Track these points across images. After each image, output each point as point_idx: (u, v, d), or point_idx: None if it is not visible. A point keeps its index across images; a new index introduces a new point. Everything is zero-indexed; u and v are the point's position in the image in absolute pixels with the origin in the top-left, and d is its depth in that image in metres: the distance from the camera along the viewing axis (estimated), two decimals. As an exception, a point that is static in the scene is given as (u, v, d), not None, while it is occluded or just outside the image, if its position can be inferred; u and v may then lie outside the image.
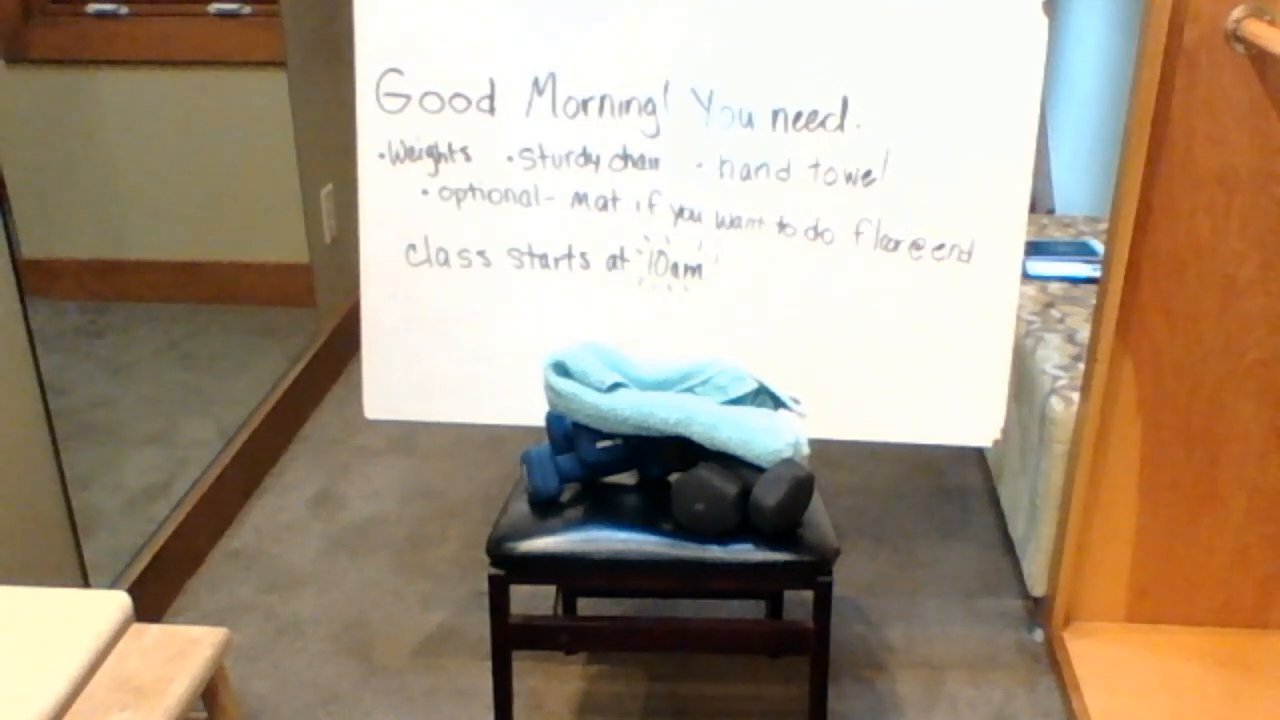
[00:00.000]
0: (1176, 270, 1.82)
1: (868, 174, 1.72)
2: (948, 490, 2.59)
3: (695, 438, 1.59)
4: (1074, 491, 1.95)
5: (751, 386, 1.64)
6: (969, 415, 1.78)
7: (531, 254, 1.80)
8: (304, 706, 1.96)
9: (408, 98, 1.75)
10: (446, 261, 1.80)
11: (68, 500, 1.92)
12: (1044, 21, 1.66)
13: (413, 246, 1.80)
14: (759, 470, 1.57)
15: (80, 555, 1.96)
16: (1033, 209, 2.01)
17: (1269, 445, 1.92)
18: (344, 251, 3.09)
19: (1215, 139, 1.74)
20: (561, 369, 1.63)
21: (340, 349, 3.09)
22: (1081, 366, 2.07)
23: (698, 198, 1.76)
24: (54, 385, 1.88)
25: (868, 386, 1.78)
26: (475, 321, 1.82)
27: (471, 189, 1.78)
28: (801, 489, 1.55)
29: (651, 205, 1.77)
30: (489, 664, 2.04)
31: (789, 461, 1.57)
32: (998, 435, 1.79)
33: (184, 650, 1.42)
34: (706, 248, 1.77)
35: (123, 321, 2.39)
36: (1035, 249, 2.58)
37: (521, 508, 1.65)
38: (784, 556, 1.56)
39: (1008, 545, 2.39)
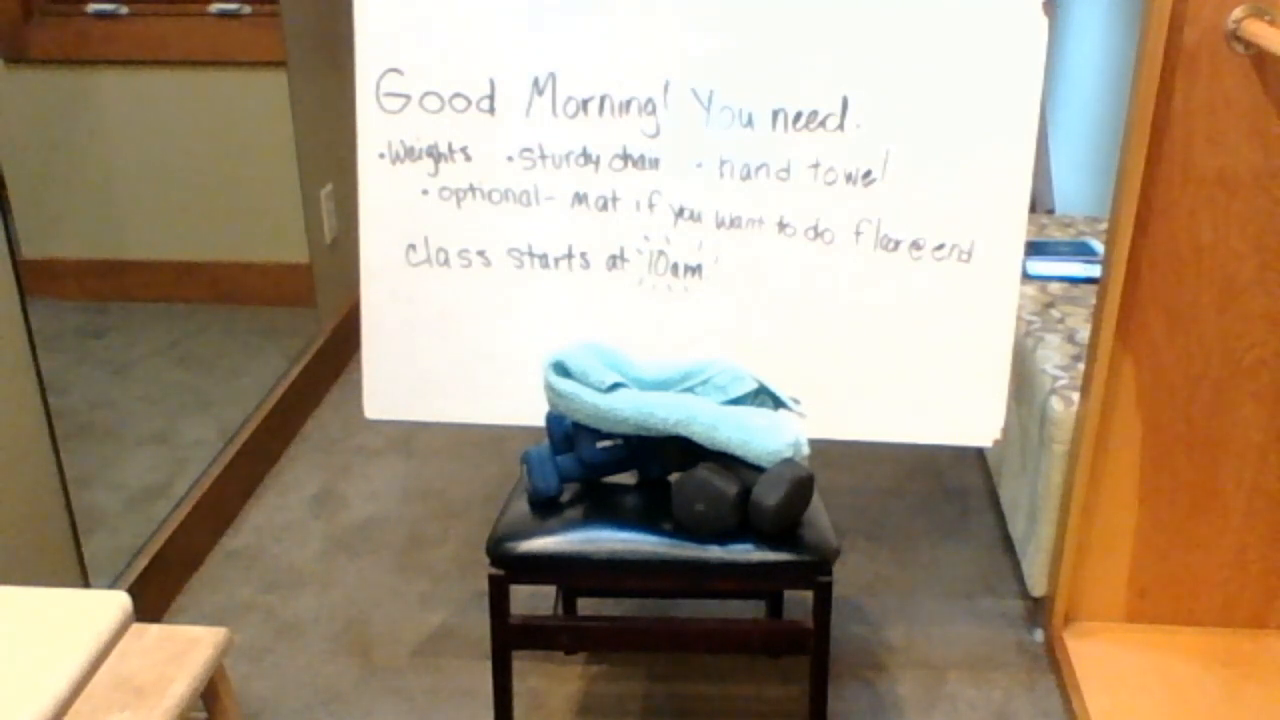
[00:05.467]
0: (1176, 270, 1.82)
1: (868, 174, 1.72)
2: (948, 490, 2.59)
3: (695, 438, 1.59)
4: (1074, 491, 1.95)
5: (751, 386, 1.64)
6: (969, 415, 1.78)
7: (531, 254, 1.80)
8: (304, 706, 1.96)
9: (408, 98, 1.75)
10: (446, 261, 1.80)
11: (68, 500, 1.92)
12: (1044, 21, 1.66)
13: (413, 246, 1.80)
14: (759, 470, 1.57)
15: (80, 555, 1.96)
16: (1033, 209, 2.01)
17: (1269, 445, 1.92)
18: (344, 251, 3.09)
19: (1215, 139, 1.74)
20: (561, 369, 1.63)
21: (340, 349, 3.09)
22: (1081, 366, 2.07)
23: (698, 198, 1.76)
24: (54, 385, 1.88)
25: (868, 386, 1.78)
26: (475, 321, 1.82)
27: (471, 189, 1.78)
28: (801, 489, 1.55)
29: (651, 205, 1.77)
30: (489, 664, 2.04)
31: (789, 461, 1.57)
32: (998, 435, 1.79)
33: (184, 650, 1.42)
34: (706, 248, 1.77)
35: (123, 321, 2.39)
36: (1035, 249, 2.58)
37: (521, 508, 1.65)
38: (784, 556, 1.56)
39: (1008, 545, 2.39)
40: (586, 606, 2.12)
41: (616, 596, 2.15)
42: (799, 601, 2.04)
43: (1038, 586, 2.09)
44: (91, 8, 2.19)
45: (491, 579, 1.59)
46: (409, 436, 2.79)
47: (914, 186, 1.71)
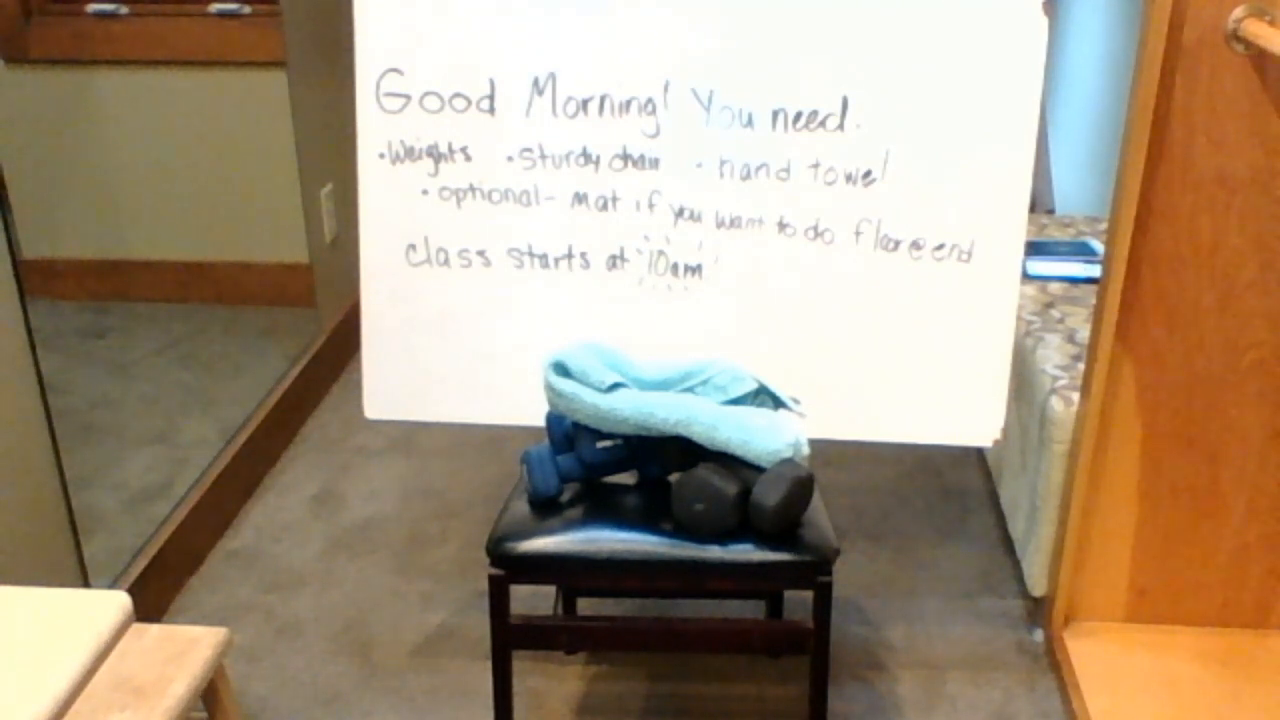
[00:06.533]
0: (1176, 270, 1.82)
1: (868, 174, 1.72)
2: (948, 490, 2.59)
3: (695, 438, 1.59)
4: (1074, 491, 1.95)
5: (751, 386, 1.64)
6: (969, 415, 1.78)
7: (531, 254, 1.80)
8: (304, 706, 1.96)
9: (408, 98, 1.75)
10: (446, 261, 1.80)
11: (68, 500, 1.92)
12: (1044, 21, 1.66)
13: (413, 246, 1.80)
14: (759, 470, 1.57)
15: (80, 555, 1.96)
16: (1033, 209, 2.01)
17: (1269, 445, 1.92)
18: (344, 251, 3.09)
19: (1215, 139, 1.74)
20: (561, 369, 1.63)
21: (340, 349, 3.09)
22: (1081, 366, 2.07)
23: (698, 198, 1.76)
24: (54, 385, 1.88)
25: (868, 386, 1.78)
26: (475, 321, 1.82)
27: (471, 189, 1.78)
28: (801, 489, 1.55)
29: (651, 205, 1.77)
30: (489, 664, 2.04)
31: (789, 461, 1.57)
32: (998, 435, 1.79)
33: (184, 650, 1.42)
34: (706, 248, 1.77)
35: (123, 321, 2.39)
36: (1035, 249, 2.58)
37: (521, 508, 1.65)
38: (784, 556, 1.56)
39: (1008, 545, 2.39)
40: (586, 606, 2.12)
41: (616, 596, 2.15)
42: (799, 601, 2.04)
43: (1038, 586, 2.09)
44: (91, 8, 2.19)
45: (491, 579, 1.59)
46: (409, 436, 2.79)
47: (914, 186, 1.71)
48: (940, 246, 1.73)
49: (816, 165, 1.72)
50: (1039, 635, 2.12)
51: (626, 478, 1.70)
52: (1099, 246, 2.60)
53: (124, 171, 2.32)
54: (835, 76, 1.69)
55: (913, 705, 1.97)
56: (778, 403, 1.67)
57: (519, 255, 1.80)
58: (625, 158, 1.75)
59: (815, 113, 1.71)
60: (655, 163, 1.75)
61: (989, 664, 2.06)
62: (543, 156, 1.76)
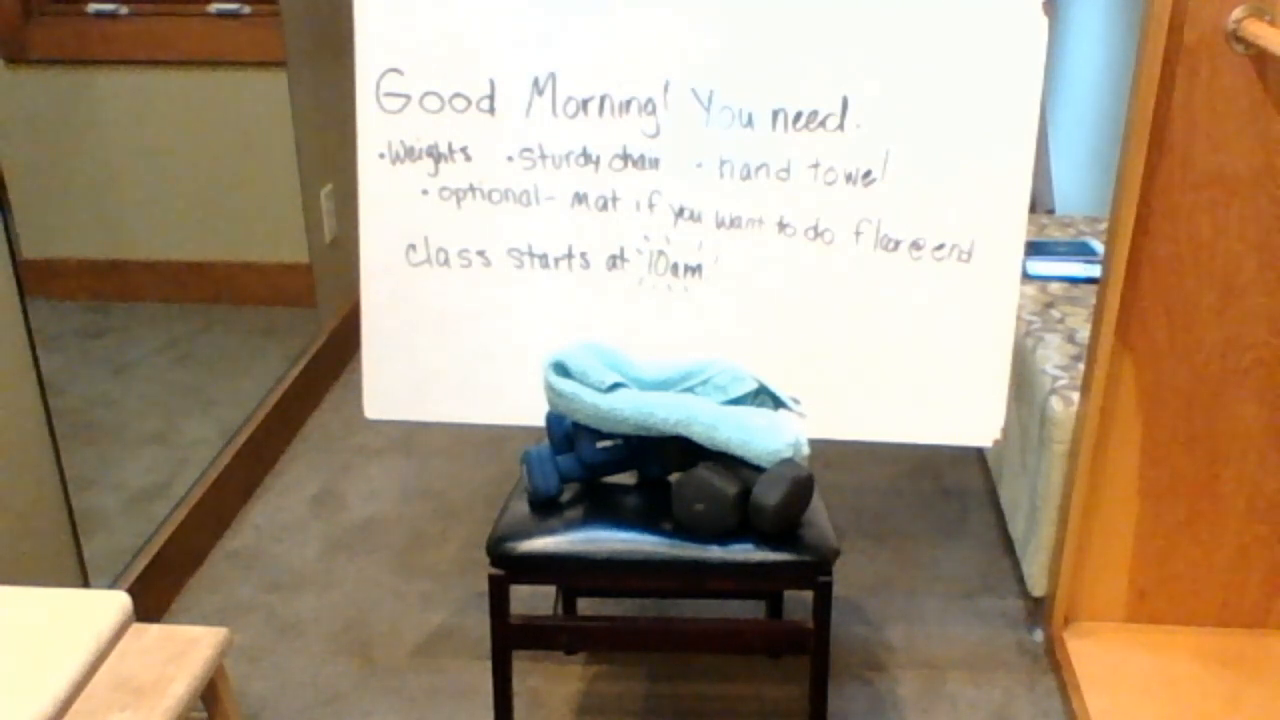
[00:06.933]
0: (1176, 270, 1.82)
1: (868, 174, 1.72)
2: (948, 490, 2.59)
3: (695, 438, 1.59)
4: (1074, 491, 1.95)
5: (751, 386, 1.64)
6: (969, 415, 1.78)
7: (531, 254, 1.80)
8: (304, 706, 1.96)
9: (408, 98, 1.75)
10: (446, 261, 1.80)
11: (68, 500, 1.92)
12: (1044, 21, 1.66)
13: (413, 246, 1.80)
14: (759, 470, 1.57)
15: (80, 555, 1.96)
16: (1033, 209, 2.01)
17: (1269, 445, 1.92)
18: (344, 251, 3.09)
19: (1215, 139, 1.74)
20: (561, 369, 1.63)
21: (340, 349, 3.09)
22: (1081, 366, 2.07)
23: (698, 198, 1.76)
24: (54, 385, 1.88)
25: (867, 386, 1.78)
26: (475, 321, 1.82)
27: (471, 189, 1.78)
28: (801, 489, 1.55)
29: (651, 205, 1.77)
30: (489, 664, 2.04)
31: (789, 461, 1.57)
32: (998, 435, 1.79)
33: (184, 650, 1.42)
34: (706, 248, 1.77)
35: (123, 321, 2.39)
36: (1035, 249, 2.58)
37: (521, 508, 1.65)
38: (784, 556, 1.56)
39: (1008, 545, 2.39)
40: (586, 606, 2.12)
41: (616, 596, 2.15)
42: (799, 601, 2.04)
43: (1038, 586, 2.09)
44: (91, 8, 2.19)
45: (491, 579, 1.59)
46: (409, 436, 2.80)
47: (914, 186, 1.71)
48: (940, 246, 1.73)
49: (816, 165, 1.72)
50: (1039, 635, 2.12)
51: (626, 478, 1.70)
52: (1099, 246, 2.60)
53: (124, 171, 2.32)
54: (835, 76, 1.69)
55: (913, 705, 1.97)
56: (778, 403, 1.67)
57: (519, 255, 1.80)
58: (625, 158, 1.75)
59: (815, 113, 1.71)
60: (655, 163, 1.75)
61: (989, 664, 2.06)
62: (543, 156, 1.76)
